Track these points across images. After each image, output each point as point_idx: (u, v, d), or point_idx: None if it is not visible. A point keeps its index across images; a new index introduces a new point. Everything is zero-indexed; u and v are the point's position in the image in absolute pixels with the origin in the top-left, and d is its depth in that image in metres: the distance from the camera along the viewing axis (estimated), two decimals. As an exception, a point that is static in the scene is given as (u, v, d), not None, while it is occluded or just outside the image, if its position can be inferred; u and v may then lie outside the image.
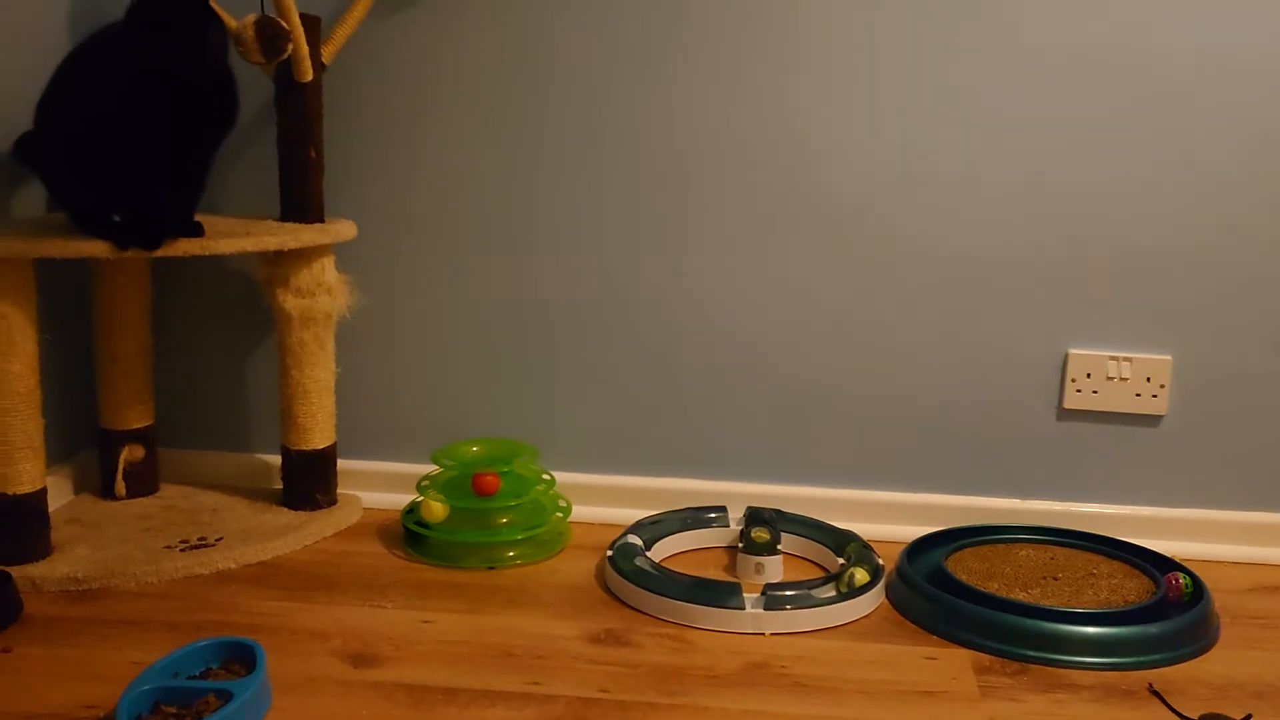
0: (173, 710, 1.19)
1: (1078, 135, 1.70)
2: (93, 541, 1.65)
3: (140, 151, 1.48)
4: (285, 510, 1.80)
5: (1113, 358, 1.76)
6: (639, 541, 1.65)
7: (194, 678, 1.27)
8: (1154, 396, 1.76)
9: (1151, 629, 1.43)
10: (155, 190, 1.52)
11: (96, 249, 1.49)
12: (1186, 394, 1.76)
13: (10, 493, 1.53)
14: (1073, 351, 1.76)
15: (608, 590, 1.59)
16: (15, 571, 1.51)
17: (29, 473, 1.54)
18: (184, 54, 1.44)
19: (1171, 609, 1.49)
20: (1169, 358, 1.75)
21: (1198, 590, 1.52)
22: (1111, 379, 1.76)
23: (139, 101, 1.44)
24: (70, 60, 1.52)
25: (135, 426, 1.82)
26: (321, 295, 1.72)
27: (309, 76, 1.66)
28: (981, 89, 1.71)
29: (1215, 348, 1.74)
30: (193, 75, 1.47)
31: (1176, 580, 1.52)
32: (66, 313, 1.81)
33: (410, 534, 1.72)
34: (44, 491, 1.57)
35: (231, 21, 1.62)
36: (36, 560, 1.57)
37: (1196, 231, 1.72)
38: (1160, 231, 1.72)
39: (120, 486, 1.81)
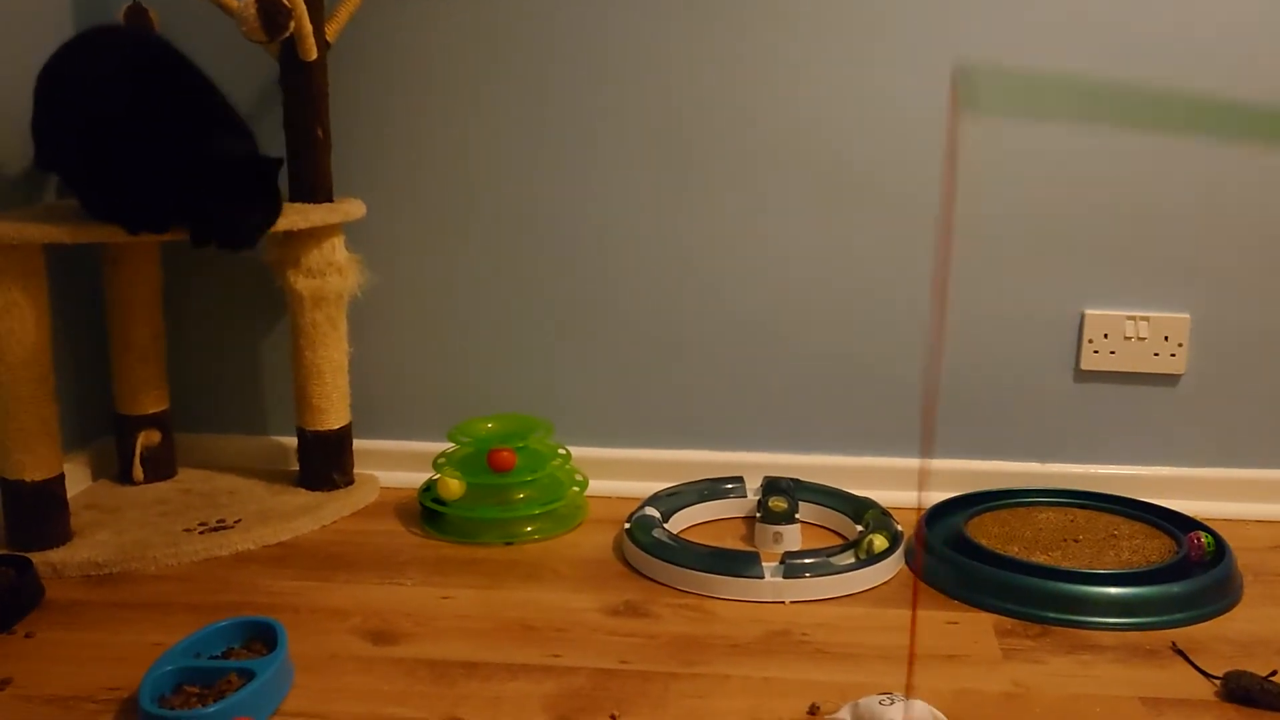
0: (195, 690, 1.19)
1: (1093, 95, 1.68)
2: (112, 526, 1.65)
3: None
4: (302, 491, 1.80)
5: (1130, 317, 1.74)
6: (656, 514, 1.65)
7: (216, 658, 1.27)
8: (1172, 356, 1.74)
9: (1174, 588, 1.42)
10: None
11: (107, 234, 1.50)
12: (1205, 352, 1.75)
13: (28, 479, 1.54)
14: (1089, 312, 1.75)
15: (626, 563, 1.58)
16: (36, 557, 1.51)
17: (46, 459, 1.55)
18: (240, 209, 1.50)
19: (1194, 568, 1.48)
20: (1187, 316, 1.74)
21: (1220, 549, 1.51)
22: (1129, 339, 1.74)
23: (175, 184, 1.46)
24: (100, 67, 1.50)
25: (151, 411, 1.82)
26: (332, 275, 1.71)
27: (313, 55, 1.65)
28: (994, 50, 1.69)
29: (1233, 305, 1.72)
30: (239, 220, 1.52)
31: (1198, 539, 1.51)
32: (80, 299, 1.81)
33: (428, 511, 1.72)
34: (62, 478, 1.58)
35: (233, 1, 1.61)
36: (57, 546, 1.57)
37: (1212, 189, 1.70)
38: (1176, 189, 1.70)
39: (138, 471, 1.81)
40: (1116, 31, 1.66)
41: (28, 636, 1.38)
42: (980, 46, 1.68)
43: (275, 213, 1.53)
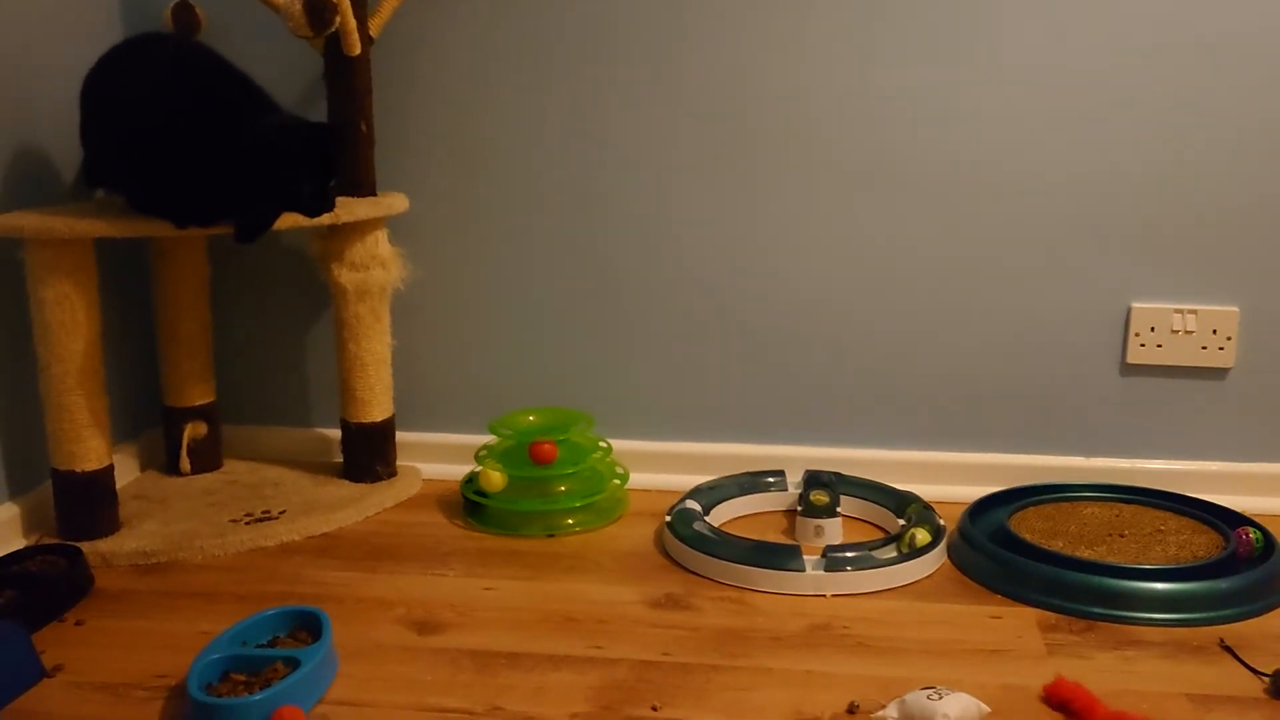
0: (242, 678, 1.20)
1: (1141, 89, 1.66)
2: (160, 516, 1.68)
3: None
4: (346, 483, 1.81)
5: (1177, 310, 1.72)
6: (697, 507, 1.65)
7: (262, 646, 1.28)
8: (1220, 349, 1.72)
9: (1221, 584, 1.40)
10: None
11: (156, 228, 1.51)
12: (1254, 345, 1.72)
13: (79, 470, 1.56)
14: (1136, 305, 1.73)
15: (667, 555, 1.59)
16: (86, 547, 1.54)
17: (96, 450, 1.57)
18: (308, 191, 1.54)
19: (1242, 564, 1.47)
20: (1235, 309, 1.71)
21: (1268, 544, 1.49)
22: (1176, 332, 1.72)
23: (228, 180, 1.49)
24: (142, 72, 1.52)
25: (198, 403, 1.84)
26: (375, 268, 1.73)
27: (357, 50, 1.67)
28: (1047, 45, 1.67)
29: (1284, 298, 1.70)
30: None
31: (1246, 535, 1.49)
32: (129, 294, 1.84)
33: (470, 503, 1.73)
34: (111, 469, 1.61)
35: (279, -3, 1.62)
36: (106, 536, 1.60)
37: (1261, 181, 1.67)
38: (1224, 182, 1.68)
39: (185, 462, 1.84)
40: (1166, 24, 1.64)
41: (78, 624, 1.40)
42: (1045, 45, 1.67)
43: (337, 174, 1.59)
